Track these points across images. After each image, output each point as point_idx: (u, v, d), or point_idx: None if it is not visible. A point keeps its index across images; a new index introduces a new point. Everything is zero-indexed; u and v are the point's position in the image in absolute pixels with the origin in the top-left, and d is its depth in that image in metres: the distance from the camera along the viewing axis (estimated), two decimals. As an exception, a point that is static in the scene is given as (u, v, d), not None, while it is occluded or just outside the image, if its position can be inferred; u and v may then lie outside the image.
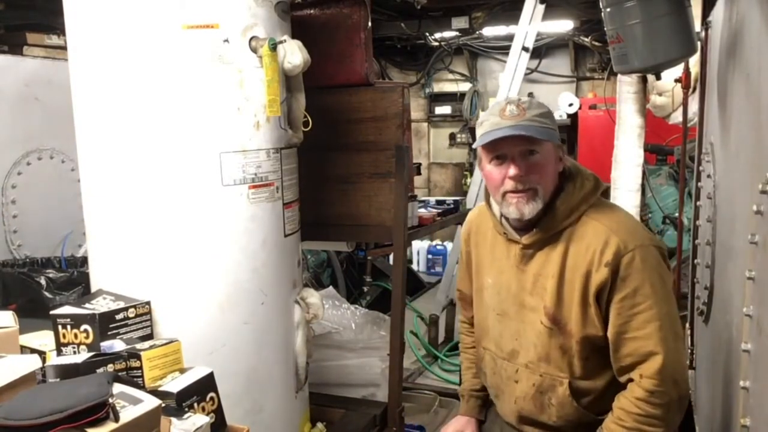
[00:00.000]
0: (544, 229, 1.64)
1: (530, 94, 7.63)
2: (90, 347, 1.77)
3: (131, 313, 1.92)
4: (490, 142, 1.59)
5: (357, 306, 3.51)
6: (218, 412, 1.55)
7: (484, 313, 1.82)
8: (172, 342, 1.65)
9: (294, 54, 2.11)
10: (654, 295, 1.54)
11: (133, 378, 1.53)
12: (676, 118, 3.79)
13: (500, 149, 1.60)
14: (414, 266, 7.08)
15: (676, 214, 3.96)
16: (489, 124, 1.61)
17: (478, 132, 1.65)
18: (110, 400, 1.23)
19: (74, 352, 1.77)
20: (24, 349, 1.74)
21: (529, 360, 1.70)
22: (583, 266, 1.58)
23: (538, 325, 1.66)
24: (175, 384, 1.50)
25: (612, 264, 1.54)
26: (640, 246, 1.55)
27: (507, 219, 1.71)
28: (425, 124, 8.41)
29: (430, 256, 7.23)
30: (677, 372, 1.54)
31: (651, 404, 1.52)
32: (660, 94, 3.91)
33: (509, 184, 1.60)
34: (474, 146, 1.70)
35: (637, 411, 1.53)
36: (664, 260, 1.60)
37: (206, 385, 1.54)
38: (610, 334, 1.58)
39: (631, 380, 1.57)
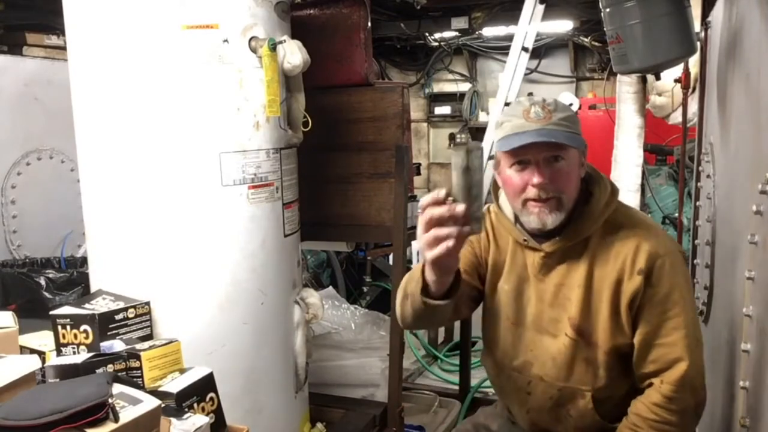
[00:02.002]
0: (569, 236, 1.54)
1: (530, 94, 7.61)
2: (90, 347, 1.77)
3: (131, 313, 1.92)
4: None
5: (357, 306, 3.52)
6: (218, 413, 1.55)
7: (494, 320, 1.70)
8: (171, 342, 1.65)
9: (294, 54, 2.11)
10: (682, 301, 1.49)
11: (132, 378, 1.53)
12: (676, 118, 3.79)
13: (523, 154, 1.48)
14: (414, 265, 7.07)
15: (676, 214, 3.96)
16: (512, 126, 1.49)
17: (498, 133, 1.53)
18: (110, 401, 1.23)
19: (74, 353, 1.77)
20: (24, 350, 1.73)
21: (545, 373, 1.61)
22: (613, 274, 1.51)
23: (561, 338, 1.57)
24: (174, 384, 1.50)
25: (645, 271, 1.48)
26: (670, 252, 1.50)
27: (522, 225, 1.61)
28: (425, 124, 8.41)
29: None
30: (697, 379, 1.49)
31: (668, 410, 1.48)
32: (660, 94, 3.92)
33: (531, 192, 1.49)
34: (496, 150, 1.56)
35: (654, 417, 1.49)
36: (686, 264, 1.56)
37: (206, 385, 1.54)
38: (637, 341, 1.51)
39: (650, 384, 1.52)
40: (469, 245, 1.70)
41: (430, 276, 1.38)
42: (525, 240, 1.59)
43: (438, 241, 1.21)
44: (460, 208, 1.17)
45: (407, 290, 1.51)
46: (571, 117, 1.51)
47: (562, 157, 1.49)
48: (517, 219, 1.61)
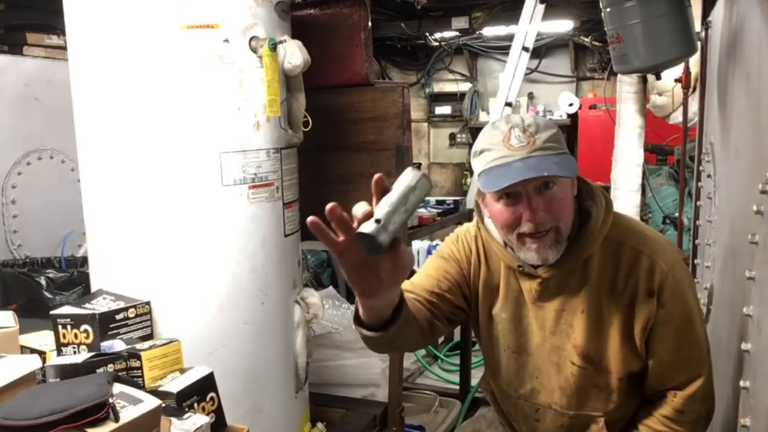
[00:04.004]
0: (567, 261, 1.42)
1: (530, 95, 7.64)
2: (90, 347, 1.77)
3: (131, 313, 1.92)
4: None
5: (357, 306, 3.50)
6: (218, 412, 1.55)
7: (493, 348, 1.60)
8: (172, 342, 1.65)
9: (294, 54, 2.11)
10: (692, 315, 1.44)
11: (133, 378, 1.53)
12: (676, 118, 3.79)
13: (512, 187, 1.32)
14: (414, 266, 7.07)
15: (676, 214, 3.96)
16: (493, 156, 1.34)
17: (477, 165, 1.38)
18: (110, 400, 1.23)
19: (74, 352, 1.77)
20: (24, 349, 1.73)
21: (553, 401, 1.54)
22: (624, 299, 1.43)
23: (567, 366, 1.49)
24: (175, 384, 1.50)
25: (656, 292, 1.41)
26: (675, 264, 1.43)
27: (514, 249, 1.48)
28: (425, 124, 8.42)
29: (429, 256, 7.22)
30: (709, 389, 1.46)
31: (679, 423, 1.46)
32: (660, 94, 3.92)
33: (527, 227, 1.35)
34: (479, 187, 1.40)
35: (664, 430, 1.47)
36: (689, 270, 1.50)
37: (206, 385, 1.54)
38: (653, 363, 1.46)
39: (660, 395, 1.49)
40: (456, 263, 1.60)
41: (360, 301, 1.23)
42: (520, 266, 1.47)
43: (332, 212, 1.01)
44: (367, 208, 1.02)
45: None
46: (556, 135, 1.36)
47: (554, 183, 1.35)
48: (506, 242, 1.48)
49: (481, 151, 1.38)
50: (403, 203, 0.99)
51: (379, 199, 1.02)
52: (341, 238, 1.02)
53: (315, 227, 1.01)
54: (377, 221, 0.99)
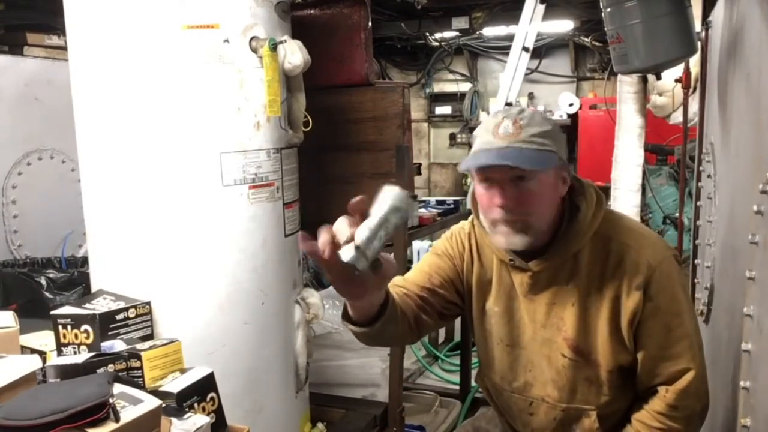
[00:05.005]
0: (556, 254, 1.47)
1: (531, 95, 7.63)
2: (90, 347, 1.77)
3: (131, 313, 1.92)
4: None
5: (357, 306, 3.50)
6: (218, 412, 1.55)
7: (487, 342, 1.63)
8: (172, 342, 1.65)
9: (294, 54, 2.11)
10: (681, 310, 1.45)
11: (133, 378, 1.53)
12: (677, 118, 3.79)
13: (487, 172, 1.41)
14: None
15: (677, 214, 3.96)
16: (480, 142, 1.42)
17: (473, 148, 1.47)
18: (110, 401, 1.23)
19: (75, 353, 1.77)
20: (24, 349, 1.73)
21: (546, 394, 1.56)
22: (611, 292, 1.45)
23: (558, 359, 1.52)
24: (175, 384, 1.50)
25: (643, 286, 1.43)
26: (663, 260, 1.45)
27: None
28: (425, 124, 8.41)
29: (425, 253, 7.20)
30: (702, 385, 1.47)
31: (672, 418, 1.46)
32: (660, 94, 3.91)
33: (497, 212, 1.41)
34: (461, 168, 1.47)
35: (658, 426, 1.47)
36: (680, 265, 1.52)
37: (206, 385, 1.54)
38: (641, 356, 1.47)
39: (653, 392, 1.50)
40: (449, 259, 1.64)
41: (347, 302, 1.31)
42: (511, 260, 1.51)
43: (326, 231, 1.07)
44: (344, 229, 1.05)
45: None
46: (547, 132, 1.39)
47: (529, 178, 1.38)
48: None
49: (476, 136, 1.46)
50: (383, 226, 1.02)
51: (360, 221, 1.05)
52: (326, 255, 1.08)
53: (305, 245, 1.08)
54: (357, 248, 1.03)
